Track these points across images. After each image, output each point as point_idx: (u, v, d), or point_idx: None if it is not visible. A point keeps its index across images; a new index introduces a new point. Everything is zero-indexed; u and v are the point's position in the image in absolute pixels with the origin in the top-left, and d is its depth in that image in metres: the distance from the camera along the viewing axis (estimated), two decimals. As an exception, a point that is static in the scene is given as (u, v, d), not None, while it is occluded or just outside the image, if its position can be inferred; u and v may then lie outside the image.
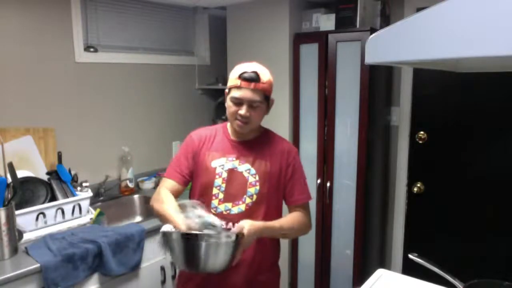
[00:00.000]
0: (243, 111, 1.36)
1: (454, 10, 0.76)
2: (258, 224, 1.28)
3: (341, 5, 2.32)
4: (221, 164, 1.44)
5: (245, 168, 1.43)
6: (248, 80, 1.34)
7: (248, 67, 1.38)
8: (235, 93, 1.37)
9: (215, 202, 1.42)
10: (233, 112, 1.39)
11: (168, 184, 1.45)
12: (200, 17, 3.00)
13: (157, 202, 1.39)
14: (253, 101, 1.36)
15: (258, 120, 1.43)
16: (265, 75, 1.39)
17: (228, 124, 1.52)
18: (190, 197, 1.51)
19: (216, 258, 1.16)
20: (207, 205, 1.41)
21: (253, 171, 1.43)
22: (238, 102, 1.37)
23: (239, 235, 1.19)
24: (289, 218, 1.44)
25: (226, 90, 1.44)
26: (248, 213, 1.39)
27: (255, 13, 2.57)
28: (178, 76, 2.88)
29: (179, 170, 1.47)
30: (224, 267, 1.18)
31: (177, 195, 1.44)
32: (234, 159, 1.44)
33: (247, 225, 1.23)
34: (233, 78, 1.39)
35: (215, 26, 3.03)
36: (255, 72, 1.36)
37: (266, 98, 1.41)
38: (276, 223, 1.37)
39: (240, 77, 1.36)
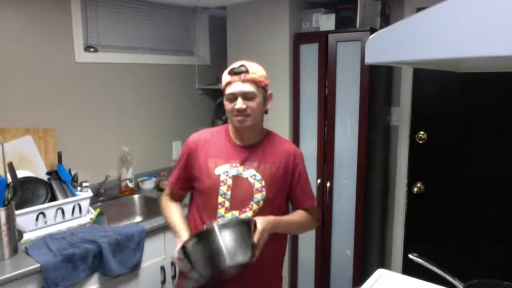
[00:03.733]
0: (238, 104, 1.34)
1: (454, 10, 0.76)
2: (270, 219, 1.30)
3: (341, 5, 2.32)
4: (225, 171, 1.40)
5: (250, 174, 1.40)
6: (237, 73, 1.35)
7: (236, 63, 1.39)
8: (228, 90, 1.37)
9: (221, 210, 1.39)
10: (230, 109, 1.37)
11: (170, 192, 1.55)
12: (200, 17, 3.00)
13: (165, 212, 1.52)
14: (246, 92, 1.35)
15: (257, 112, 1.38)
16: (254, 67, 1.39)
17: (230, 127, 1.48)
18: (192, 201, 1.51)
19: (235, 243, 1.16)
20: (213, 213, 1.40)
21: (258, 176, 1.40)
22: (233, 97, 1.36)
23: (252, 219, 1.22)
24: (297, 214, 1.46)
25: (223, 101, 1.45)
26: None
27: (255, 13, 2.57)
28: (178, 76, 2.88)
29: (177, 177, 1.52)
30: (247, 256, 1.16)
31: (181, 199, 1.57)
32: (238, 164, 1.41)
33: (259, 221, 1.25)
34: (224, 78, 1.40)
35: (215, 26, 3.03)
36: (243, 65, 1.37)
37: (260, 90, 1.38)
38: (287, 218, 1.42)
39: (230, 72, 1.37)
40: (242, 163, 1.41)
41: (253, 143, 1.44)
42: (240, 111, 1.35)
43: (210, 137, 1.48)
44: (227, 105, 1.39)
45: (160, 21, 2.76)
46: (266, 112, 1.46)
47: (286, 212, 1.50)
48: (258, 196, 1.38)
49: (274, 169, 1.41)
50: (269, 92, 1.43)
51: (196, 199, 1.48)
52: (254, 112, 1.37)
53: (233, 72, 1.36)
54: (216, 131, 1.51)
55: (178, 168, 1.51)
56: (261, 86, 1.38)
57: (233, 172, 1.40)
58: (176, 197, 1.55)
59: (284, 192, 1.45)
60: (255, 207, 1.38)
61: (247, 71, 1.35)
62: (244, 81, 1.35)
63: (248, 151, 1.43)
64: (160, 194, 2.51)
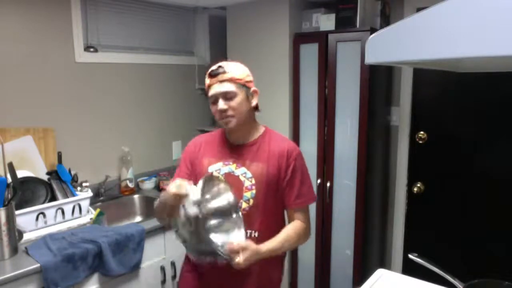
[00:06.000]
0: (219, 105, 1.35)
1: (454, 10, 0.76)
2: (259, 250, 1.25)
3: (341, 5, 2.32)
4: (218, 169, 1.43)
5: (241, 172, 1.41)
6: (214, 75, 1.37)
7: (215, 65, 1.40)
8: (210, 92, 1.39)
9: None
10: (215, 112, 1.39)
11: None
12: (200, 17, 3.00)
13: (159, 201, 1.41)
14: (225, 92, 1.35)
15: (241, 110, 1.37)
16: (232, 66, 1.39)
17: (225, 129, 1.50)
18: None
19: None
20: None
21: (249, 174, 1.40)
22: (214, 99, 1.38)
23: (230, 257, 1.21)
24: (288, 233, 1.39)
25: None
26: (246, 218, 1.36)
27: (255, 13, 2.58)
28: (178, 76, 2.88)
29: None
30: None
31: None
32: (231, 163, 1.43)
33: (245, 254, 1.21)
34: (206, 81, 1.41)
35: (215, 26, 3.02)
36: (220, 66, 1.38)
37: (241, 87, 1.37)
38: (278, 243, 1.34)
39: (208, 75, 1.39)
40: (235, 161, 1.43)
41: (248, 141, 1.45)
42: (222, 112, 1.36)
43: (208, 139, 1.52)
44: (212, 108, 1.41)
45: (160, 21, 2.76)
46: (256, 108, 1.45)
47: (277, 213, 1.47)
48: (247, 195, 1.39)
49: (266, 168, 1.40)
50: (253, 89, 1.42)
51: None
52: (237, 111, 1.37)
53: (211, 75, 1.38)
54: (214, 133, 1.54)
55: (182, 171, 1.50)
56: (242, 84, 1.38)
57: (225, 169, 1.42)
58: None
59: (278, 192, 1.43)
60: (244, 205, 1.39)
61: (224, 72, 1.36)
62: (222, 81, 1.36)
63: (242, 149, 1.44)
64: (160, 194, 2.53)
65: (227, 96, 1.35)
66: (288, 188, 1.42)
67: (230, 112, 1.36)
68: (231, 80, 1.36)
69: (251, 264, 1.24)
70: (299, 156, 1.45)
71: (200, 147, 1.49)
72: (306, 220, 1.45)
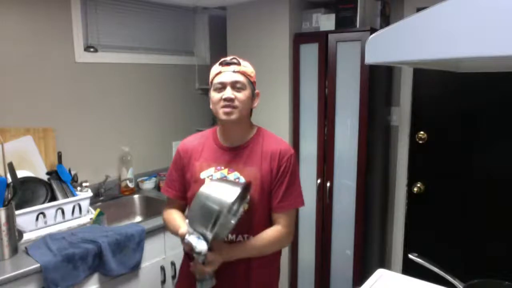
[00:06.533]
0: (227, 93, 1.31)
1: (454, 10, 0.76)
2: (224, 250, 1.30)
3: (341, 5, 2.32)
4: (210, 175, 1.38)
5: (234, 177, 1.36)
6: (228, 63, 1.36)
7: (228, 57, 1.40)
8: (218, 79, 1.35)
9: None
10: (217, 100, 1.33)
11: (171, 203, 1.50)
12: (200, 17, 3.00)
13: (168, 223, 1.48)
14: (236, 81, 1.33)
15: (245, 105, 1.34)
16: (245, 62, 1.39)
17: (218, 129, 1.46)
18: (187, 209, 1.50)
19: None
20: None
21: (242, 179, 1.36)
22: (221, 87, 1.33)
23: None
24: (262, 236, 1.37)
25: (209, 94, 1.41)
26: (240, 223, 1.33)
27: (255, 13, 2.58)
28: (178, 76, 2.88)
29: (174, 187, 1.47)
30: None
31: (183, 208, 1.50)
32: (223, 168, 1.38)
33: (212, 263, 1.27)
34: (214, 70, 1.39)
35: (215, 26, 3.03)
36: (234, 58, 1.37)
37: (250, 84, 1.36)
38: (245, 246, 1.36)
39: (221, 63, 1.37)
40: (227, 165, 1.38)
41: (240, 144, 1.41)
42: (228, 101, 1.31)
43: (198, 141, 1.46)
44: (214, 96, 1.35)
45: (160, 21, 2.76)
46: (251, 112, 1.43)
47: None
48: None
49: (258, 172, 1.36)
50: (256, 90, 1.42)
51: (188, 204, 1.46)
52: (242, 105, 1.33)
53: (224, 63, 1.36)
54: (204, 134, 1.49)
55: (174, 178, 1.47)
56: (251, 81, 1.38)
57: (217, 175, 1.37)
58: (179, 208, 1.51)
59: (270, 195, 1.39)
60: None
61: (238, 63, 1.36)
62: (234, 72, 1.34)
63: (234, 153, 1.40)
64: (160, 194, 2.53)
65: (237, 86, 1.33)
66: (274, 190, 1.38)
67: (235, 103, 1.32)
68: (244, 74, 1.35)
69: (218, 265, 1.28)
70: (292, 158, 1.41)
71: (191, 153, 1.44)
72: (289, 224, 1.39)
